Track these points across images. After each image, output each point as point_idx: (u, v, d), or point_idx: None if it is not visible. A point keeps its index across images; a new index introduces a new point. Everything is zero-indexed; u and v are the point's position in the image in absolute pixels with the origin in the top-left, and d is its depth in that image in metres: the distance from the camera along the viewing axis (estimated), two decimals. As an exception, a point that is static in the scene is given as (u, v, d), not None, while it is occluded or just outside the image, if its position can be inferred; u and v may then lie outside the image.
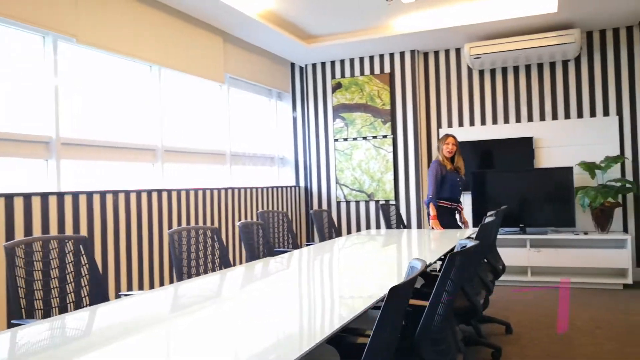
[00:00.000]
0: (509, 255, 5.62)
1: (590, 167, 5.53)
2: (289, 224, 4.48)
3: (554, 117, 5.94)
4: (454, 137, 4.94)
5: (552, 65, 5.93)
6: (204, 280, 2.52)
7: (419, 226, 6.55)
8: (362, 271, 2.63)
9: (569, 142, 5.86)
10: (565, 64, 5.88)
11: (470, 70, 6.29)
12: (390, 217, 5.24)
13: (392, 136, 6.47)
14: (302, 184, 7.02)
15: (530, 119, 6.04)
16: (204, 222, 4.99)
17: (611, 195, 5.35)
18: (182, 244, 2.88)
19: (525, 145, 5.99)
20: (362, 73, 6.67)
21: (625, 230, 5.71)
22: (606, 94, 5.73)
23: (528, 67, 6.03)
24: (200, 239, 3.03)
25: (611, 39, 5.70)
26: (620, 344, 3.58)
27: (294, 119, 7.08)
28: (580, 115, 5.84)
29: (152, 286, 4.26)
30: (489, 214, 4.14)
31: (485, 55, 5.72)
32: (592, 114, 5.79)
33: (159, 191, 4.42)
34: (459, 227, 4.99)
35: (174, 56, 4.76)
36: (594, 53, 5.76)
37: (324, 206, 6.85)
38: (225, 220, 5.33)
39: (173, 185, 4.85)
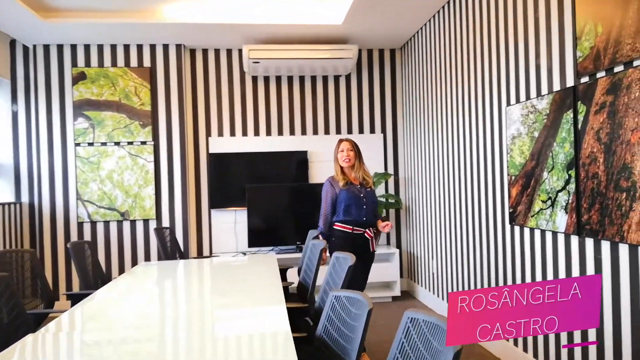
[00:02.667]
0: (287, 276, 5.23)
1: (361, 183, 5.59)
2: (34, 264, 3.13)
3: (327, 131, 5.86)
4: (351, 142, 3.73)
5: (325, 79, 5.85)
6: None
7: (199, 252, 5.66)
8: None
9: (340, 158, 5.84)
10: (337, 79, 5.87)
11: (243, 75, 5.75)
12: (166, 243, 4.26)
13: (152, 143, 5.43)
14: (25, 199, 5.34)
15: (304, 132, 5.83)
16: None
17: (380, 211, 5.49)
18: None
19: (300, 159, 5.74)
20: (114, 64, 5.45)
21: (399, 245, 5.97)
22: (372, 112, 5.92)
23: (302, 79, 5.82)
24: None
25: (377, 59, 5.92)
26: None
27: (14, 114, 5.36)
28: (350, 131, 5.89)
29: None
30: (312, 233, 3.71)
31: (266, 61, 5.26)
32: (361, 130, 5.91)
33: None
34: (366, 262, 3.67)
35: None
36: (362, 71, 5.90)
37: (60, 229, 5.33)
38: None
39: None
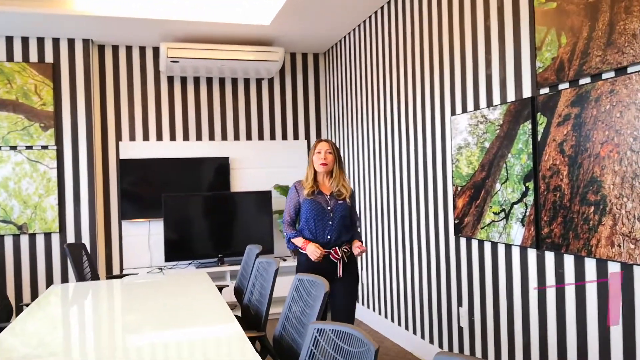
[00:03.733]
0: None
1: (286, 191, 5.34)
2: None
3: (249, 137, 5.54)
4: (331, 143, 3.11)
5: (247, 82, 5.53)
6: None
7: (109, 269, 5.05)
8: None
9: (264, 165, 5.55)
10: (259, 82, 5.57)
11: (158, 75, 5.27)
12: (83, 262, 3.71)
13: (55, 147, 4.78)
14: None
15: (225, 137, 5.46)
16: None
17: (309, 220, 5.28)
18: None
19: (220, 166, 5.37)
20: (10, 58, 4.73)
21: None
22: (296, 117, 5.69)
23: (222, 81, 5.45)
24: None
25: (300, 64, 5.71)
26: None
27: None
28: (273, 137, 5.62)
29: None
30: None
31: (185, 60, 4.84)
32: (284, 136, 5.66)
33: None
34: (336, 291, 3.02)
35: None
36: (285, 75, 5.66)
37: None
38: None
39: None
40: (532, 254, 2.74)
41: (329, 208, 3.05)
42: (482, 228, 3.10)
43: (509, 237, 2.88)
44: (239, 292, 3.35)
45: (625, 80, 2.16)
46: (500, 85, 2.95)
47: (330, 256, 3.00)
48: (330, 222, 3.03)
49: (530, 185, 2.71)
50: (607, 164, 2.26)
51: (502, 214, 2.93)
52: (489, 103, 3.04)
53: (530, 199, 2.71)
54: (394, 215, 4.26)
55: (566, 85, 2.48)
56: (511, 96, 2.86)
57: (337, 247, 3.02)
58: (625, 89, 2.16)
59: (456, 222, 3.35)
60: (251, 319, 2.74)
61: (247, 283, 3.10)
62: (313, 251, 2.93)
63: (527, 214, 2.73)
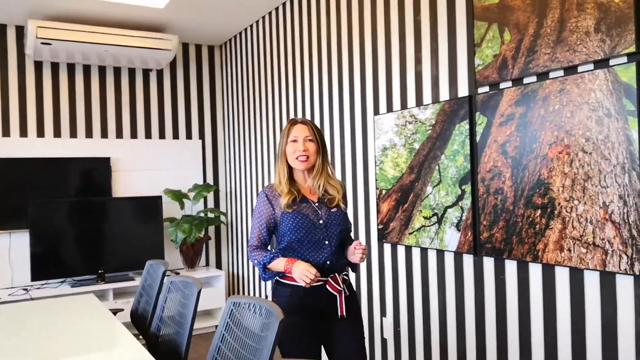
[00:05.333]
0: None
1: (178, 196, 4.82)
2: None
3: (134, 135, 4.91)
4: (310, 125, 2.20)
5: (132, 72, 4.91)
6: None
7: None
8: None
9: (152, 166, 4.96)
10: (146, 74, 4.97)
11: (22, 59, 4.45)
12: None
13: None
14: None
15: (105, 134, 4.78)
16: None
17: (204, 228, 4.81)
18: None
19: (101, 168, 4.68)
20: None
21: (220, 266, 5.28)
22: (189, 114, 5.18)
23: (103, 70, 4.77)
24: None
25: (194, 56, 5.21)
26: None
27: None
28: (162, 135, 5.05)
29: None
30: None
31: (59, 43, 4.13)
32: (176, 135, 5.11)
33: None
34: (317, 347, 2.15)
35: None
36: (177, 67, 5.12)
37: None
38: None
39: None
40: (468, 259, 2.62)
41: (321, 222, 2.13)
42: (410, 233, 2.94)
43: (442, 243, 2.73)
44: (140, 318, 2.79)
45: (577, 80, 2.09)
46: (432, 84, 2.80)
47: (328, 286, 2.09)
48: (326, 242, 2.11)
49: (467, 188, 2.58)
50: (556, 165, 2.18)
51: (434, 219, 2.78)
52: (419, 102, 2.89)
53: (467, 202, 2.59)
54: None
55: (509, 84, 2.38)
56: (445, 95, 2.72)
57: (336, 275, 2.12)
58: (577, 89, 2.10)
59: (380, 227, 3.16)
60: (164, 355, 2.26)
61: (153, 308, 2.59)
62: (303, 273, 1.95)
63: (464, 218, 2.61)
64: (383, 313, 3.20)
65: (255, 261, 2.14)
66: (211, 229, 5.25)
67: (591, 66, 2.06)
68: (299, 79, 3.98)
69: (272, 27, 4.33)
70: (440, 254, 2.78)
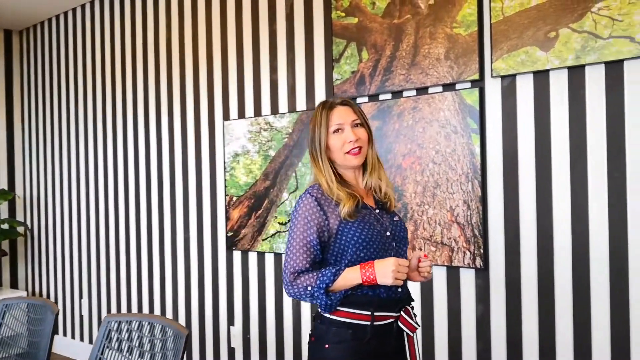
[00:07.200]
0: None
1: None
2: None
3: None
4: (355, 109, 1.65)
5: None
6: None
7: None
8: None
9: None
10: None
11: None
12: None
13: None
14: None
15: None
16: None
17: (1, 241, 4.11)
18: None
19: None
20: None
21: (15, 285, 4.50)
22: (-23, 108, 4.38)
23: None
24: None
25: (-15, 40, 4.43)
26: None
27: None
28: (-59, 132, 4.17)
29: None
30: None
31: None
32: (-40, 132, 4.27)
33: None
34: None
35: None
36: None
37: None
38: None
39: None
40: (325, 262, 2.76)
41: (388, 234, 1.62)
42: (264, 240, 2.97)
43: (298, 248, 2.82)
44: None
45: (428, 99, 2.39)
46: (288, 93, 2.88)
47: (401, 323, 1.57)
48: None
49: (325, 194, 2.72)
50: (409, 174, 2.45)
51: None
52: (274, 110, 2.95)
53: (324, 208, 2.72)
54: (147, 232, 3.69)
55: (366, 99, 2.59)
56: (302, 105, 2.83)
57: (408, 307, 1.61)
58: (429, 107, 2.39)
59: (229, 234, 3.12)
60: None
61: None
62: (397, 269, 1.48)
63: (321, 223, 2.74)
64: (231, 322, 3.16)
65: (309, 288, 1.52)
66: (6, 243, 4.51)
67: (441, 88, 2.37)
68: (130, 78, 3.69)
69: (96, 17, 3.94)
70: (296, 258, 2.87)
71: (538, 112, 2.13)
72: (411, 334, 1.57)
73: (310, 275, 1.54)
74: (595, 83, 2.00)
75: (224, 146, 3.15)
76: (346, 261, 1.56)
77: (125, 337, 1.47)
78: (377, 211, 1.64)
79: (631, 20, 1.90)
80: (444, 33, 2.35)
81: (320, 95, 2.76)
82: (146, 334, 1.42)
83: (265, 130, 2.97)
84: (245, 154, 3.05)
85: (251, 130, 3.03)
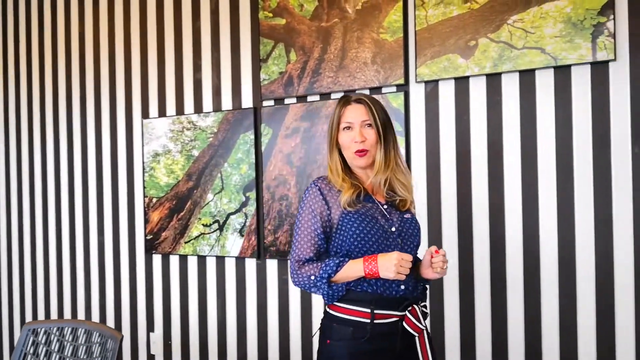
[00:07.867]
0: None
1: None
2: None
3: None
4: (369, 104, 1.63)
5: None
6: None
7: None
8: None
9: None
10: None
11: None
12: None
13: None
14: None
15: None
16: None
17: None
18: None
19: None
20: None
21: None
22: None
23: None
24: None
25: None
26: None
27: None
28: None
29: None
30: None
31: None
32: None
33: None
34: None
35: None
36: None
37: None
38: None
39: None
40: (251, 263, 2.73)
41: (393, 229, 1.61)
42: (187, 242, 2.88)
43: (223, 249, 2.78)
44: None
45: (356, 102, 2.45)
46: (213, 92, 2.83)
47: (406, 324, 1.56)
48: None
49: (252, 195, 2.70)
50: (337, 174, 2.49)
51: (215, 226, 2.80)
52: (198, 109, 2.87)
53: (251, 208, 2.70)
54: (56, 236, 3.42)
55: (294, 100, 2.61)
56: (227, 105, 2.79)
57: (415, 307, 1.58)
58: (356, 109, 2.45)
59: (149, 237, 2.99)
60: None
61: None
62: (399, 263, 1.47)
63: (248, 224, 2.71)
64: (150, 328, 3.03)
65: (313, 277, 1.56)
66: None
67: (367, 92, 2.44)
68: (37, 73, 3.43)
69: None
70: (221, 260, 2.82)
71: (459, 116, 2.27)
72: (414, 334, 1.56)
73: (315, 265, 1.58)
74: (510, 89, 2.17)
75: (142, 145, 3.02)
76: (344, 251, 1.59)
77: (56, 349, 1.38)
78: (386, 207, 1.64)
79: (542, 33, 2.08)
80: (370, 38, 2.42)
81: (247, 95, 2.73)
82: (82, 342, 1.34)
83: (188, 129, 2.89)
84: (166, 153, 2.95)
85: (173, 129, 2.93)
